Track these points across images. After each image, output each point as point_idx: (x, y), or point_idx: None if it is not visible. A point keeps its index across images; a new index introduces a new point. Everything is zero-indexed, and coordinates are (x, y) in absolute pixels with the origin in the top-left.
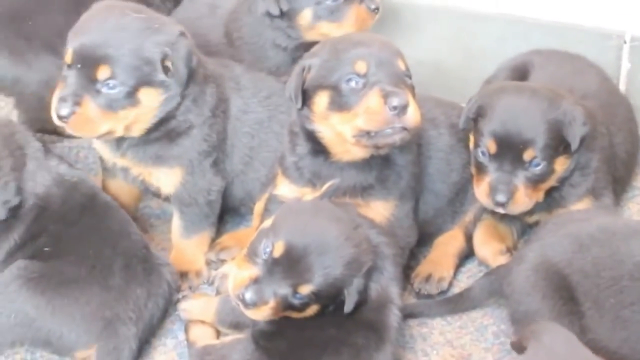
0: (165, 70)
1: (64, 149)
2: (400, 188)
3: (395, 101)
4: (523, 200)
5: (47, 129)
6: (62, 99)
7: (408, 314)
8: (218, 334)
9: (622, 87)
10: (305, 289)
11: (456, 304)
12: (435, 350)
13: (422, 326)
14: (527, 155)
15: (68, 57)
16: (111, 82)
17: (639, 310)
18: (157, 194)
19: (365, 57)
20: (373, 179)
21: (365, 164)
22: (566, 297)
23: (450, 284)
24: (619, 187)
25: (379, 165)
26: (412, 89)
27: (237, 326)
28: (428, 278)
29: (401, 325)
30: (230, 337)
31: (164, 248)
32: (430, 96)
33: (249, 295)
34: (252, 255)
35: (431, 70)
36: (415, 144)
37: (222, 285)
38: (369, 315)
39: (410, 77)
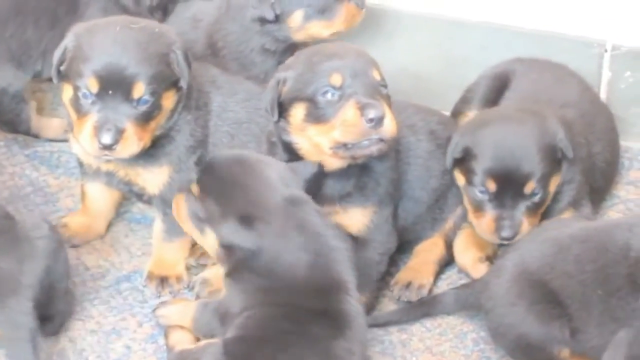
0: (174, 70)
1: (45, 154)
2: (379, 195)
3: (371, 113)
4: (527, 230)
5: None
6: (105, 129)
7: (386, 322)
8: (197, 338)
9: (603, 95)
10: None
11: (429, 307)
12: (415, 356)
13: (402, 332)
14: (528, 188)
15: (92, 85)
16: (144, 98)
17: (624, 296)
18: (139, 196)
19: (340, 69)
20: (351, 187)
21: (343, 173)
22: (553, 301)
23: (430, 291)
24: (597, 196)
25: (357, 173)
26: (387, 99)
27: (212, 336)
28: (408, 285)
29: (361, 315)
30: (204, 341)
31: (144, 253)
32: (409, 102)
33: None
34: None
35: (413, 77)
36: (394, 150)
37: (202, 291)
38: (323, 305)
39: (385, 87)
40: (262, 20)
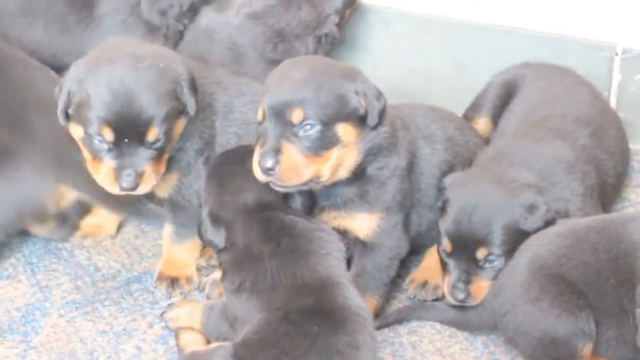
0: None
1: None
2: (385, 202)
3: (264, 163)
4: (481, 293)
5: None
6: (125, 175)
7: (394, 320)
8: (209, 339)
9: (613, 99)
10: None
11: (441, 316)
12: (425, 358)
13: (412, 334)
14: (480, 254)
15: (106, 134)
16: (158, 138)
17: (632, 286)
18: (149, 198)
19: (265, 105)
20: (351, 194)
21: (341, 183)
22: (576, 292)
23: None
24: (607, 200)
25: (357, 183)
26: (307, 139)
27: (224, 338)
28: (424, 284)
29: (362, 309)
30: (215, 344)
31: (155, 254)
32: (427, 108)
33: None
34: None
35: (423, 80)
36: (406, 161)
37: (213, 292)
38: (315, 303)
39: (313, 125)
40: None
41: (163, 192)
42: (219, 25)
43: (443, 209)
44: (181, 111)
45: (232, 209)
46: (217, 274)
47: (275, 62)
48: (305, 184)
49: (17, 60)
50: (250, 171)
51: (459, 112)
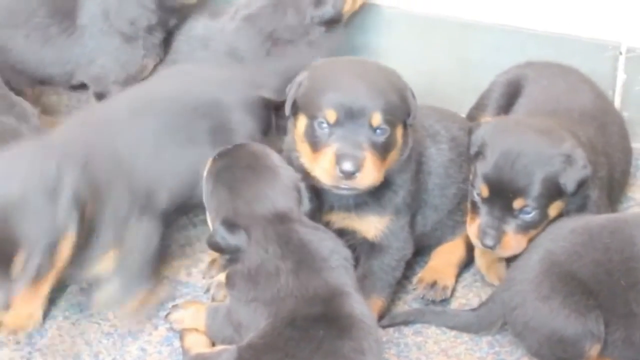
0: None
1: None
2: (396, 204)
3: (346, 166)
4: (511, 245)
5: None
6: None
7: (402, 321)
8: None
9: (617, 98)
10: None
11: (449, 319)
12: (430, 359)
13: (417, 335)
14: (517, 204)
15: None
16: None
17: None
18: None
19: (336, 107)
20: (367, 197)
21: None
22: (586, 292)
23: (453, 293)
24: (613, 200)
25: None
26: (382, 146)
27: (228, 341)
28: (433, 285)
29: (368, 316)
30: (220, 346)
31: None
32: (432, 108)
33: None
34: None
35: (427, 79)
36: (415, 162)
37: (218, 294)
38: (323, 310)
39: (386, 131)
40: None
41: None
42: (215, 32)
43: (479, 154)
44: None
45: (247, 219)
46: (222, 276)
47: None
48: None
49: None
50: (261, 178)
51: (463, 111)
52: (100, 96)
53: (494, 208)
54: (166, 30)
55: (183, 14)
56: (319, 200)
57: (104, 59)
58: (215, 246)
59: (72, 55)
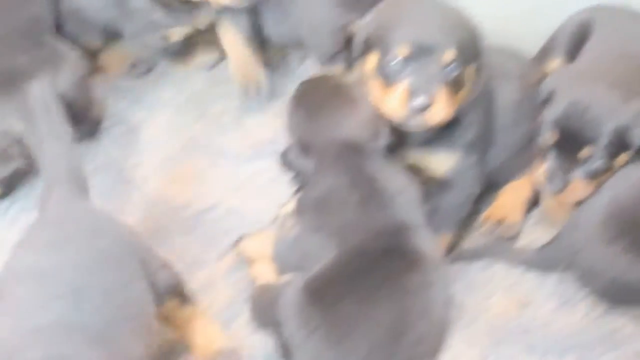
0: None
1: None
2: (466, 142)
3: (418, 101)
4: (576, 191)
5: None
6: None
7: (469, 258)
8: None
9: None
10: None
11: (515, 256)
12: (496, 295)
13: (483, 271)
14: (584, 153)
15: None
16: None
17: None
18: None
19: (409, 42)
20: (437, 134)
21: None
22: None
23: (519, 231)
24: None
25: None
26: (453, 82)
27: (294, 272)
28: (500, 222)
29: (435, 250)
30: (286, 277)
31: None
32: (501, 50)
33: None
34: None
35: (497, 22)
36: (485, 100)
37: (285, 224)
38: (389, 243)
39: (458, 67)
40: None
41: None
42: None
43: (548, 100)
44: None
45: (322, 145)
46: (290, 205)
47: None
48: None
49: None
50: (340, 107)
51: (532, 54)
52: None
53: (561, 154)
54: None
55: None
56: (393, 136)
57: None
58: (285, 163)
59: None
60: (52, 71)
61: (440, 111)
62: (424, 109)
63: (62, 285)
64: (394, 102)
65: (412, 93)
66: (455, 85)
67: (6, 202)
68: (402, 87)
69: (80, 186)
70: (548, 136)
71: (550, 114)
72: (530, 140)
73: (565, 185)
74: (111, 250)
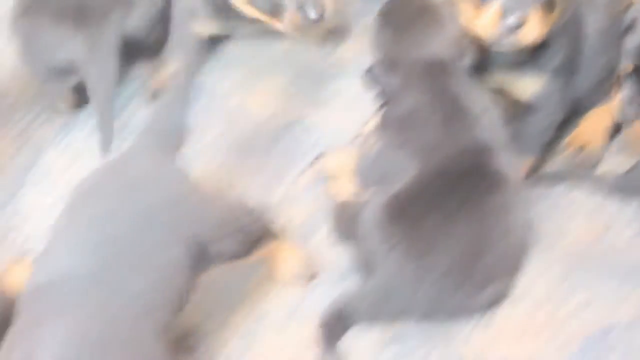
0: None
1: None
2: (554, 66)
3: (511, 20)
4: None
5: None
6: (510, 12)
7: (549, 182)
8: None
9: None
10: None
11: (596, 183)
12: (576, 220)
13: (563, 197)
14: None
15: None
16: None
17: None
18: None
19: None
20: (526, 56)
21: None
22: None
23: (600, 158)
24: None
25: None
26: (544, 3)
27: (374, 190)
28: (582, 148)
29: (516, 173)
30: (365, 195)
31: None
32: None
33: None
34: None
35: None
36: (574, 25)
37: (368, 141)
38: (470, 164)
39: None
40: None
41: None
42: None
43: (630, 28)
44: None
45: (408, 62)
46: (373, 123)
47: None
48: None
49: None
50: (428, 26)
51: None
52: None
53: (637, 84)
54: None
55: None
56: (479, 58)
57: None
58: (370, 80)
59: None
60: (124, 11)
61: (533, 31)
62: (517, 28)
63: (97, 234)
64: (486, 21)
65: (506, 11)
66: (548, 6)
67: (85, 113)
68: (495, 5)
69: (168, 141)
70: (626, 64)
71: (630, 42)
72: (614, 68)
73: (638, 114)
74: (161, 213)
